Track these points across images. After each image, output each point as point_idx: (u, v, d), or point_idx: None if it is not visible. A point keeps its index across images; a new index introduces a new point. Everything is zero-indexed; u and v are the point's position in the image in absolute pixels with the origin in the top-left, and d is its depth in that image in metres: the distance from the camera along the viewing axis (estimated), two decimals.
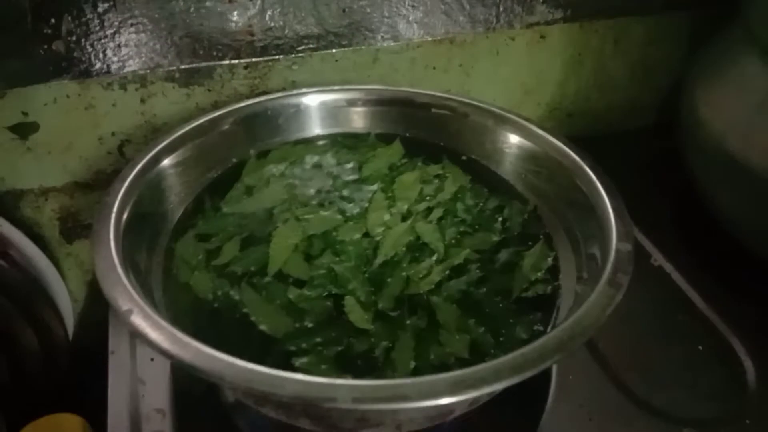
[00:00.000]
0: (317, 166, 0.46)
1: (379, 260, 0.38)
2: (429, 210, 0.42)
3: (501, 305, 0.36)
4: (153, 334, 0.28)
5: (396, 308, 0.35)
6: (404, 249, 0.39)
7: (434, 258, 0.38)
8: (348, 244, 0.39)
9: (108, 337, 0.46)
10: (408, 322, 0.34)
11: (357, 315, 0.34)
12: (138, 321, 0.28)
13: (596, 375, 0.44)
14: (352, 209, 0.42)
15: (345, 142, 0.48)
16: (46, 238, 0.54)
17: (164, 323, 0.28)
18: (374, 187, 0.44)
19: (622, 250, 0.32)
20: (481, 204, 0.43)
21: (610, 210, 0.35)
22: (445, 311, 0.35)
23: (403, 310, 0.35)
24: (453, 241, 0.40)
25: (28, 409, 0.45)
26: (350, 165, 0.46)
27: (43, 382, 0.50)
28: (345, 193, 0.43)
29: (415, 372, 0.31)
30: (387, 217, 0.41)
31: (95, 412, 0.42)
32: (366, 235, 0.40)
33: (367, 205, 0.42)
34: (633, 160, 0.63)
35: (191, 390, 0.43)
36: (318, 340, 0.33)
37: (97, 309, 0.58)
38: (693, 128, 0.51)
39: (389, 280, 0.37)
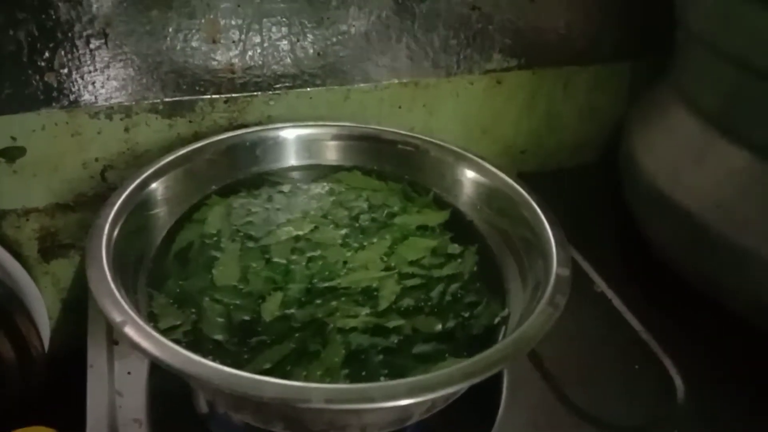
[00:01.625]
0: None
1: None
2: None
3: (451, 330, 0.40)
4: (145, 343, 0.31)
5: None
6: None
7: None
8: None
9: (82, 353, 0.48)
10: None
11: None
12: (131, 332, 0.31)
13: (543, 390, 0.47)
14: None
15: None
16: (24, 255, 0.56)
17: (155, 333, 0.32)
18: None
19: (561, 275, 0.37)
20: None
21: (552, 239, 0.40)
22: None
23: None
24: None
25: (3, 420, 0.47)
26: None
27: (19, 394, 0.52)
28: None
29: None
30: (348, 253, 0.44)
31: (68, 424, 0.44)
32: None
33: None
34: (580, 194, 0.68)
35: (167, 400, 0.45)
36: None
37: (72, 325, 0.60)
38: (630, 168, 0.56)
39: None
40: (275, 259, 0.43)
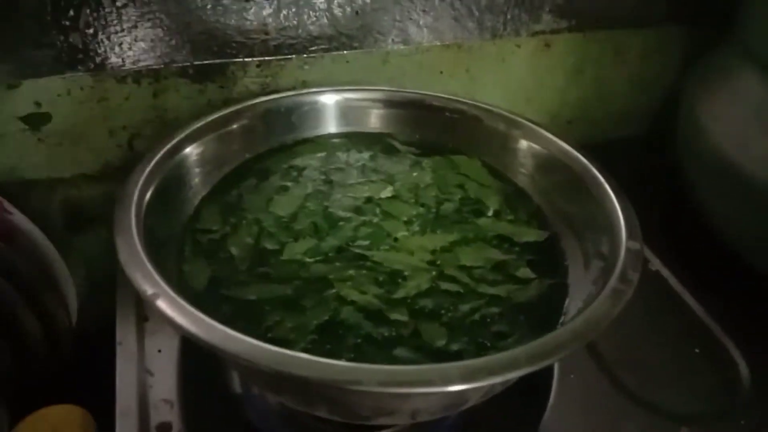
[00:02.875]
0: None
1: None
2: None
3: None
4: (179, 318, 0.28)
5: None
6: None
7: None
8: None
9: (108, 330, 0.46)
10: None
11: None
12: (164, 305, 0.29)
13: (596, 375, 0.45)
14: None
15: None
16: (51, 228, 0.53)
17: (188, 306, 0.29)
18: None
19: (632, 249, 0.33)
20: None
21: (619, 209, 0.36)
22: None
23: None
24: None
25: (31, 398, 0.45)
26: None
27: (46, 371, 0.50)
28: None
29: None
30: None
31: (96, 401, 0.42)
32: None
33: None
34: (629, 167, 0.64)
35: (199, 380, 0.43)
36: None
37: (98, 300, 0.58)
38: (690, 138, 0.52)
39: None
40: (331, 210, 0.42)
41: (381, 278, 0.37)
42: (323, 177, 0.46)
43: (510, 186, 0.46)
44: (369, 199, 0.43)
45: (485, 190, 0.45)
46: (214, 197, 0.43)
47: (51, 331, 0.50)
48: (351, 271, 0.38)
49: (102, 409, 0.42)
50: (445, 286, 0.37)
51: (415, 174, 0.46)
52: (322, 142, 0.49)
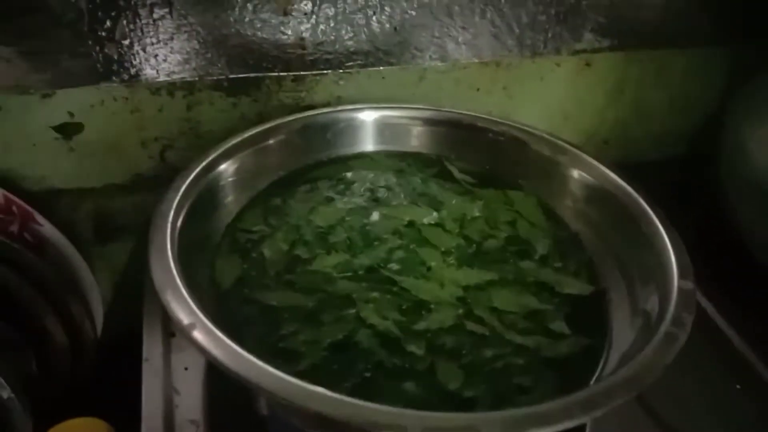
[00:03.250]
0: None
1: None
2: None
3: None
4: (215, 351, 0.27)
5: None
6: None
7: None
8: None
9: (134, 340, 0.46)
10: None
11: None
12: (200, 336, 0.28)
13: (633, 409, 0.43)
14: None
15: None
16: (79, 237, 0.53)
17: (225, 339, 0.28)
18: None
19: (685, 289, 0.32)
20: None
21: (670, 246, 0.35)
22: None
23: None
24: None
25: (55, 409, 0.45)
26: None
27: (71, 382, 0.50)
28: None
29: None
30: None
31: (119, 415, 0.42)
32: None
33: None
34: (667, 189, 0.62)
35: (226, 401, 0.42)
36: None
37: (125, 311, 0.58)
38: (734, 162, 0.51)
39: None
40: (369, 228, 0.41)
41: (405, 306, 0.36)
42: (370, 194, 0.45)
43: (564, 231, 0.43)
44: (411, 223, 0.42)
45: (536, 231, 0.43)
46: (261, 199, 0.44)
47: (77, 341, 0.50)
48: (376, 294, 0.37)
49: (125, 422, 0.41)
50: (470, 326, 0.35)
51: (465, 204, 0.45)
52: (377, 158, 0.48)
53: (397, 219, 0.42)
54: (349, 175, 0.47)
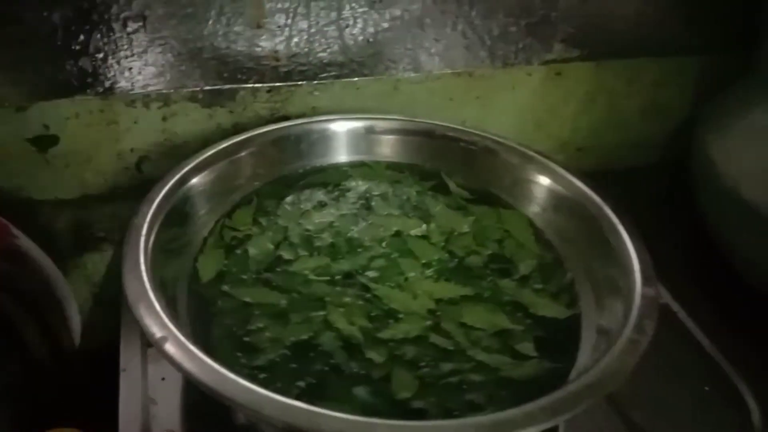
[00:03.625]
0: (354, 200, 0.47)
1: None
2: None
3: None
4: (188, 364, 0.28)
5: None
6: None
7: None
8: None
9: (112, 350, 0.46)
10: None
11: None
12: (172, 349, 0.28)
13: (604, 411, 0.44)
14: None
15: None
16: (57, 248, 0.53)
17: (198, 352, 0.29)
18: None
19: (647, 296, 0.33)
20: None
21: (634, 254, 0.36)
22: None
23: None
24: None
25: (33, 419, 0.45)
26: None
27: (51, 392, 0.50)
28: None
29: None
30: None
31: (100, 424, 0.42)
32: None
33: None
34: (640, 196, 0.64)
35: (204, 411, 0.42)
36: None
37: (103, 321, 0.58)
38: (705, 172, 0.52)
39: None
40: (355, 235, 0.42)
41: (374, 313, 0.37)
42: (364, 202, 0.46)
43: (550, 253, 0.43)
44: (397, 233, 0.43)
45: (522, 251, 0.43)
46: (254, 200, 0.45)
47: (55, 352, 0.50)
48: (348, 299, 0.38)
49: (101, 429, 0.41)
50: (435, 338, 0.35)
51: (455, 218, 0.45)
52: (376, 168, 0.49)
53: (384, 228, 0.43)
54: (345, 182, 0.48)
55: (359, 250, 0.41)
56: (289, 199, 0.46)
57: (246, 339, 0.35)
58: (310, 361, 0.34)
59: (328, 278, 0.39)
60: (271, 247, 0.41)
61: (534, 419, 0.26)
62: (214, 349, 0.35)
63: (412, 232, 0.43)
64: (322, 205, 0.45)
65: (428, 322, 0.36)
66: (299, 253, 0.41)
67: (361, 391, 0.32)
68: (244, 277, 0.39)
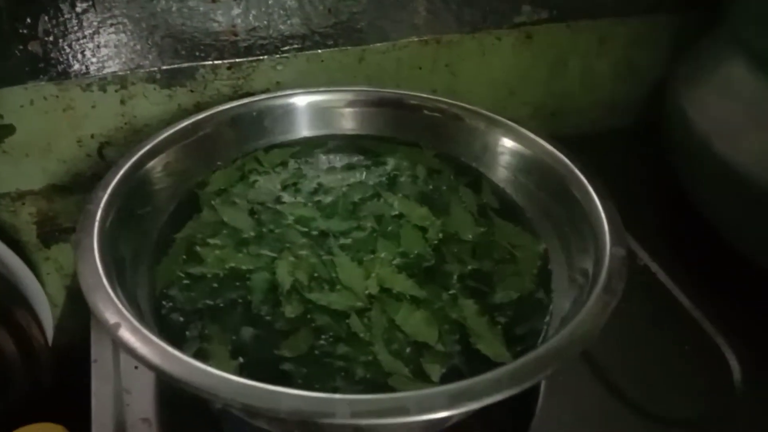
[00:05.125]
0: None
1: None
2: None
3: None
4: (142, 349, 0.27)
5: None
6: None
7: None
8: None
9: (89, 344, 0.45)
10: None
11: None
12: (126, 335, 0.27)
13: (585, 375, 0.44)
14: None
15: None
16: (23, 242, 0.52)
17: (152, 337, 0.28)
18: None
19: (617, 255, 0.32)
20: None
21: (603, 215, 0.35)
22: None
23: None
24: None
25: (9, 417, 0.44)
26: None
27: (23, 389, 0.49)
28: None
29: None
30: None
31: (77, 418, 0.41)
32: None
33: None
34: (616, 159, 0.63)
35: (178, 398, 0.42)
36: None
37: (78, 314, 0.57)
38: (678, 131, 0.51)
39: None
40: (358, 203, 0.42)
41: (317, 274, 0.37)
42: (391, 177, 0.45)
43: (544, 294, 0.38)
44: (399, 215, 0.42)
45: (512, 281, 0.38)
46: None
47: (26, 349, 0.49)
48: (305, 253, 0.38)
49: (80, 426, 0.40)
50: (352, 321, 0.34)
51: (467, 223, 0.42)
52: (424, 153, 0.47)
53: (390, 207, 0.42)
54: (387, 156, 0.47)
55: (351, 217, 0.41)
56: (324, 156, 0.46)
57: (198, 248, 0.38)
58: (232, 289, 0.36)
59: (305, 230, 0.40)
60: (278, 187, 0.43)
61: (500, 386, 0.26)
62: (171, 243, 0.39)
63: (414, 220, 0.41)
64: (350, 167, 0.45)
65: (359, 304, 0.35)
66: (297, 199, 0.42)
67: (247, 332, 0.34)
68: (238, 201, 0.42)
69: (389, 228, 0.40)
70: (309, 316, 0.35)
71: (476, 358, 0.33)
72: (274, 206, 0.41)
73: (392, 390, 0.31)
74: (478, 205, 0.43)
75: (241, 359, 0.32)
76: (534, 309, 0.36)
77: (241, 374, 0.26)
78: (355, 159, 0.46)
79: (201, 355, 0.32)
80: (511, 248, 0.40)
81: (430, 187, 0.44)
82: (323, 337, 0.33)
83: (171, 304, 0.35)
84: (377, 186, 0.44)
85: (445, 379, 0.32)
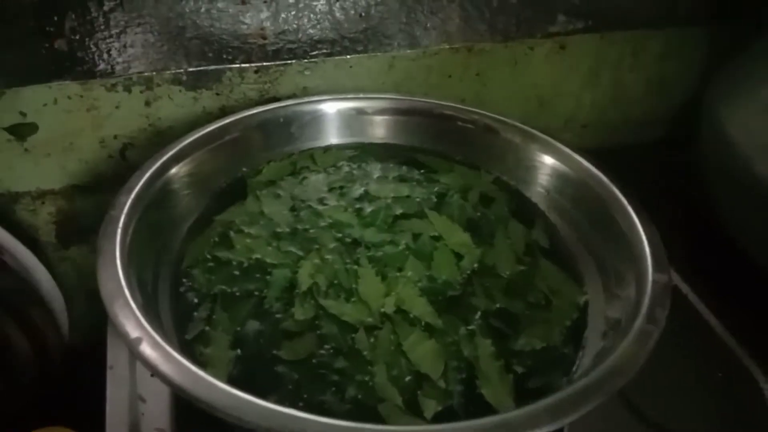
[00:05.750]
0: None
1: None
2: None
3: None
4: (164, 366, 0.26)
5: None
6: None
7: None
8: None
9: (105, 347, 0.44)
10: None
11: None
12: (148, 351, 0.26)
13: (612, 400, 0.42)
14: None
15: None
16: (41, 242, 0.51)
17: (174, 353, 0.27)
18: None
19: (659, 282, 0.30)
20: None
21: (645, 239, 0.33)
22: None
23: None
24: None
25: (21, 417, 0.43)
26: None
27: (36, 389, 0.48)
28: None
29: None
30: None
31: (90, 421, 0.40)
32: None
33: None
34: (647, 174, 0.61)
35: (193, 409, 0.41)
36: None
37: (94, 315, 0.56)
38: (714, 146, 0.49)
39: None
40: (399, 216, 0.41)
41: (337, 282, 0.36)
42: (440, 196, 0.43)
43: (569, 347, 0.35)
44: (437, 238, 0.40)
45: (539, 328, 0.35)
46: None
47: (41, 350, 0.48)
48: (332, 258, 0.37)
49: (95, 428, 0.40)
50: (358, 337, 0.33)
51: (507, 257, 0.39)
52: (483, 176, 0.45)
53: (430, 227, 0.40)
54: (441, 175, 0.45)
55: (388, 230, 0.40)
56: (379, 164, 0.46)
57: (231, 234, 0.39)
58: (251, 280, 0.36)
59: (339, 235, 0.39)
60: (325, 188, 0.43)
61: (538, 422, 0.24)
62: (211, 222, 0.40)
63: (452, 245, 0.39)
64: (401, 179, 0.44)
65: (369, 320, 0.34)
66: (339, 203, 0.41)
67: (253, 326, 0.34)
68: (282, 195, 0.42)
69: (424, 248, 0.39)
70: (317, 322, 0.34)
71: (478, 402, 0.31)
72: (316, 206, 0.41)
73: (379, 416, 0.30)
74: (526, 242, 0.40)
75: (239, 351, 0.32)
76: (556, 364, 0.33)
77: (235, 366, 0.28)
78: (409, 172, 0.45)
79: (201, 339, 0.33)
80: (549, 293, 0.37)
81: (479, 213, 0.42)
82: (325, 347, 0.33)
83: (190, 283, 0.36)
84: (423, 203, 0.42)
85: (437, 419, 0.30)
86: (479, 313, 0.35)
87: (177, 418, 0.40)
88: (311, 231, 0.39)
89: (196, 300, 0.35)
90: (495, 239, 0.40)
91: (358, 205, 0.42)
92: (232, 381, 0.31)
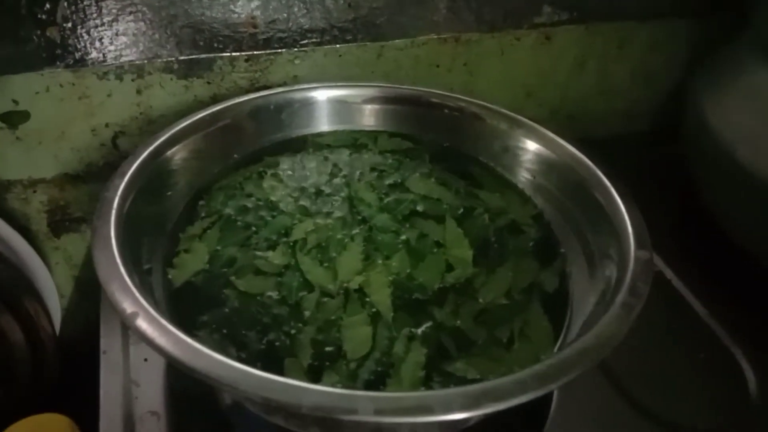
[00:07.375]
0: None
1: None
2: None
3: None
4: (160, 339, 0.26)
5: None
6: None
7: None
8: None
9: (98, 334, 0.44)
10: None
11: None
12: (144, 325, 0.27)
13: (598, 382, 0.43)
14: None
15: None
16: (33, 231, 0.52)
17: (170, 327, 0.27)
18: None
19: (641, 259, 0.31)
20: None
21: (627, 218, 0.34)
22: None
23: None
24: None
25: (15, 407, 0.44)
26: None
27: (29, 379, 0.48)
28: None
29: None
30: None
31: (84, 410, 0.41)
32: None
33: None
34: (632, 163, 0.62)
35: (187, 391, 0.41)
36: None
37: (86, 304, 0.56)
38: (699, 136, 0.50)
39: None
40: (409, 205, 0.42)
41: (324, 244, 0.38)
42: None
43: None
44: (438, 244, 0.39)
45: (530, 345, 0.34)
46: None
47: (34, 338, 0.48)
48: (330, 223, 0.40)
49: (86, 416, 0.40)
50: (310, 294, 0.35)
51: (502, 276, 0.38)
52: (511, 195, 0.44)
53: (441, 233, 0.40)
54: (478, 191, 0.44)
55: (400, 222, 0.41)
56: (428, 163, 0.46)
57: (269, 172, 0.43)
58: (256, 217, 0.40)
59: (355, 209, 0.41)
60: (368, 168, 0.45)
61: (525, 387, 0.25)
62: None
63: (449, 255, 0.38)
64: (441, 183, 0.44)
65: (329, 287, 0.36)
66: (371, 182, 0.43)
67: (231, 251, 0.37)
68: (331, 158, 0.45)
69: (420, 248, 0.38)
70: (285, 270, 0.36)
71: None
72: (350, 179, 0.44)
73: (281, 369, 0.31)
74: (530, 282, 0.37)
75: (207, 266, 0.36)
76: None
77: (195, 276, 0.31)
78: (454, 180, 0.45)
79: (188, 244, 0.37)
80: (518, 336, 0.34)
81: (499, 238, 0.40)
82: (277, 292, 0.35)
83: (207, 199, 0.40)
84: (449, 210, 0.42)
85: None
86: (432, 323, 0.34)
87: (170, 401, 0.40)
88: (334, 198, 0.42)
89: (203, 214, 0.39)
90: (499, 268, 0.38)
91: (386, 191, 0.43)
92: (188, 286, 0.35)
